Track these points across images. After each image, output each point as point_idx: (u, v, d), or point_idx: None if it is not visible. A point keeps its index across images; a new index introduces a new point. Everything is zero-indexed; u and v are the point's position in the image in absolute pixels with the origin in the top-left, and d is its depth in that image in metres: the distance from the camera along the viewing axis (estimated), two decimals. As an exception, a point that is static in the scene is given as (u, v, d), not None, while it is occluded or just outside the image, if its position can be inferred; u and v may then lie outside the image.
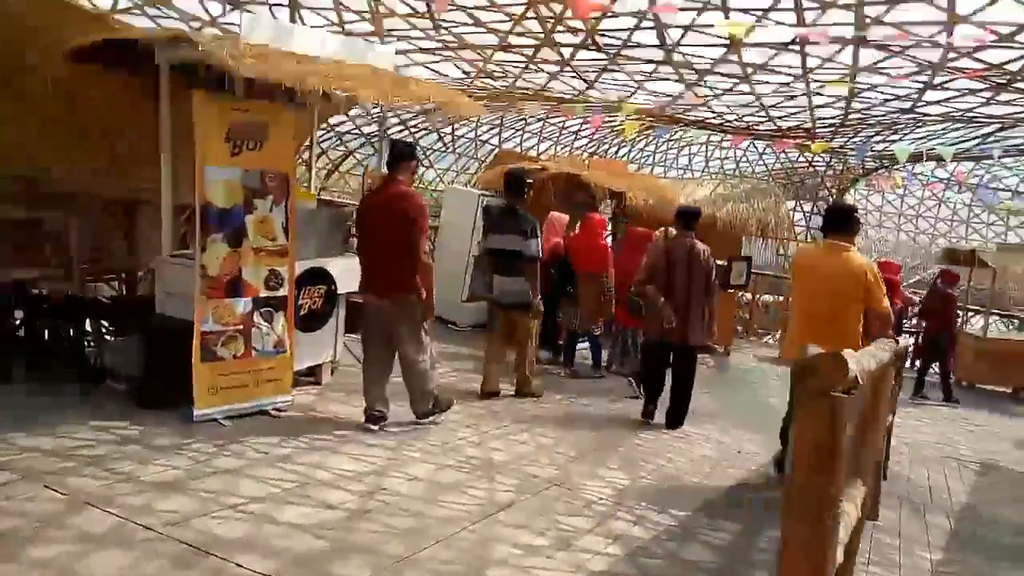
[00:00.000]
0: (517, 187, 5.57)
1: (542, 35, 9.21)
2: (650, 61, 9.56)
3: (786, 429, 4.65)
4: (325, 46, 4.83)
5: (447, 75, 11.22)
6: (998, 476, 5.89)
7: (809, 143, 12.58)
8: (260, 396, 4.38)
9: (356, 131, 14.69)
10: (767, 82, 9.71)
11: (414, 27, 9.55)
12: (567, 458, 4.57)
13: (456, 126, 15.78)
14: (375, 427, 4.39)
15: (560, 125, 16.92)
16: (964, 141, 12.45)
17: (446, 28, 9.52)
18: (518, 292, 5.56)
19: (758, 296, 12.50)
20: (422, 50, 10.36)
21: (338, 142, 14.89)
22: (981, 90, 8.45)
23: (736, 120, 11.83)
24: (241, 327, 4.26)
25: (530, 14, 8.69)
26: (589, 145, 18.51)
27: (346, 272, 5.06)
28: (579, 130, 17.40)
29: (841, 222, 4.53)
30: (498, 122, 16.26)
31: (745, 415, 6.63)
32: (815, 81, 9.27)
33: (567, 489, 4.00)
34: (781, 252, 19.28)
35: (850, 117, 10.60)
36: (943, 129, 11.92)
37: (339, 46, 4.99)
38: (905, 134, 12.25)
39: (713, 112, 11.36)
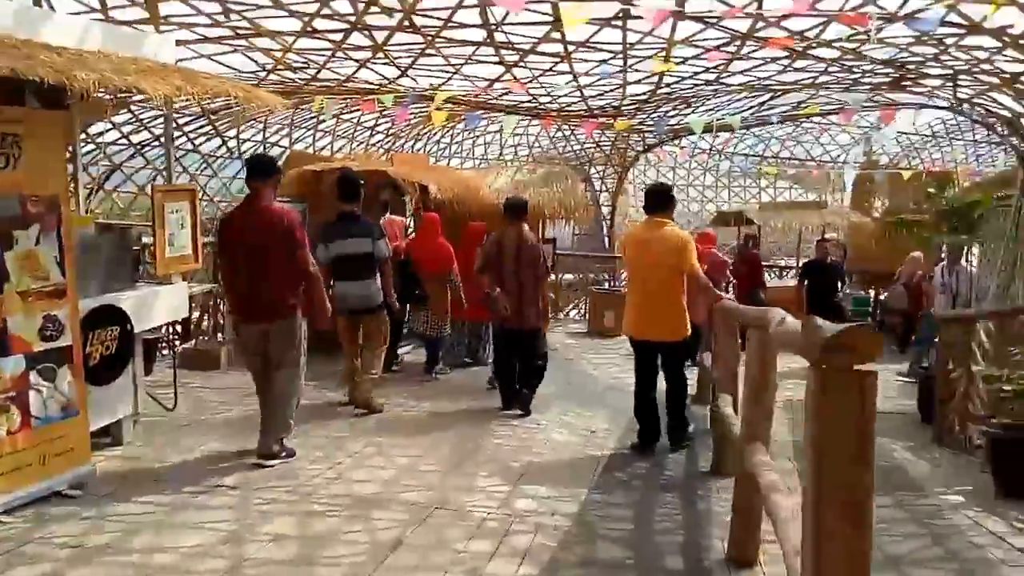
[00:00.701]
0: (353, 190, 5.66)
1: (353, 17, 8.33)
2: (469, 43, 9.06)
3: (640, 406, 5.09)
4: (88, 36, 4.32)
5: (238, 69, 9.89)
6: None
7: (612, 121, 12.92)
8: (51, 475, 3.70)
9: (123, 141, 12.61)
10: (586, 60, 9.64)
11: (198, 12, 8.20)
12: (438, 474, 4.37)
13: (242, 128, 14.16)
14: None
15: (356, 121, 15.91)
16: (747, 110, 13.46)
17: (238, 12, 8.28)
18: (369, 296, 5.64)
19: (561, 275, 12.93)
20: (207, 39, 8.97)
21: (100, 154, 12.69)
22: (781, 58, 8.97)
23: (550, 103, 11.73)
24: (13, 393, 3.54)
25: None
26: (385, 140, 17.69)
27: (142, 307, 4.76)
28: (375, 125, 16.51)
29: (660, 201, 5.04)
30: (288, 121, 14.88)
31: (580, 394, 6.81)
32: (633, 57, 9.35)
33: (452, 510, 3.77)
34: (578, 232, 19.95)
35: (658, 93, 10.97)
36: (729, 99, 12.75)
37: (104, 36, 4.45)
38: (698, 106, 12.93)
39: (529, 96, 11.15)
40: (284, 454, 4.39)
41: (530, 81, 9.88)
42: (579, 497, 4.11)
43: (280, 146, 15.65)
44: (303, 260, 4.24)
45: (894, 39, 7.95)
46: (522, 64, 9.45)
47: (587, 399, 6.58)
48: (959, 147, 24.48)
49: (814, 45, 8.42)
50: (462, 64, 9.73)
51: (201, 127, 13.22)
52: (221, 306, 7.97)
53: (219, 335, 8.14)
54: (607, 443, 5.26)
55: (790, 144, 25.84)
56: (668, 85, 10.14)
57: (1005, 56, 7.94)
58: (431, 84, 10.62)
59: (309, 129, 15.66)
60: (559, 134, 19.86)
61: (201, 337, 8.21)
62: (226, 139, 14.18)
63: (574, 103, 11.48)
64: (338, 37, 8.90)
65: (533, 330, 5.89)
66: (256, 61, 9.84)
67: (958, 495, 4.52)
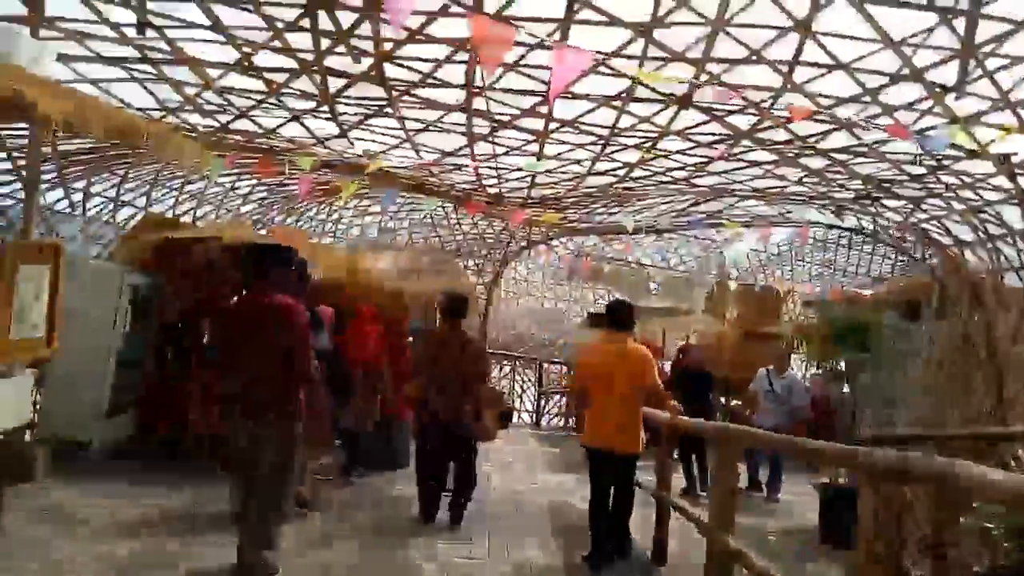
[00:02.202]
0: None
1: (311, 55, 6.72)
2: (440, 105, 7.70)
3: (597, 517, 5.18)
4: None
5: (127, 103, 7.73)
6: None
7: (541, 212, 11.98)
8: None
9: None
10: (563, 141, 8.60)
11: (102, 19, 6.18)
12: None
13: (92, 180, 11.52)
14: None
15: (230, 186, 13.71)
16: (669, 213, 13.11)
17: (158, 30, 6.36)
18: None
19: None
20: (101, 58, 6.85)
21: None
22: (766, 163, 8.51)
23: (494, 186, 10.55)
24: None
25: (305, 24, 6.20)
26: (255, 211, 15.50)
27: None
28: (250, 192, 14.37)
29: (624, 318, 5.28)
30: (151, 178, 12.41)
31: (502, 507, 6.52)
32: (614, 144, 8.47)
33: None
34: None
35: (614, 187, 10.19)
36: (657, 201, 12.32)
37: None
38: (627, 205, 12.37)
39: (475, 176, 9.90)
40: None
41: (490, 159, 8.66)
42: None
43: (134, 206, 13.01)
44: (303, 362, 3.99)
45: (891, 155, 7.75)
46: (490, 139, 8.22)
47: (510, 514, 6.36)
48: (799, 268, 26.44)
49: (811, 151, 8.01)
50: (419, 130, 8.30)
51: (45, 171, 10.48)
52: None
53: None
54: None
55: (651, 252, 26.59)
56: (634, 179, 9.36)
57: (987, 185, 7.97)
58: (366, 150, 9.06)
59: (172, 189, 13.21)
60: (444, 221, 18.71)
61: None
62: (70, 192, 11.44)
63: (517, 189, 10.40)
64: (280, 78, 7.18)
65: (467, 434, 5.71)
66: (155, 96, 7.76)
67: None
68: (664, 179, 9.31)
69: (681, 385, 9.28)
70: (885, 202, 9.20)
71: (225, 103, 7.71)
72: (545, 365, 22.35)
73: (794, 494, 8.87)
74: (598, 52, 5.91)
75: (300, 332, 3.93)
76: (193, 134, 8.18)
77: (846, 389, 13.33)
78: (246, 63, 6.87)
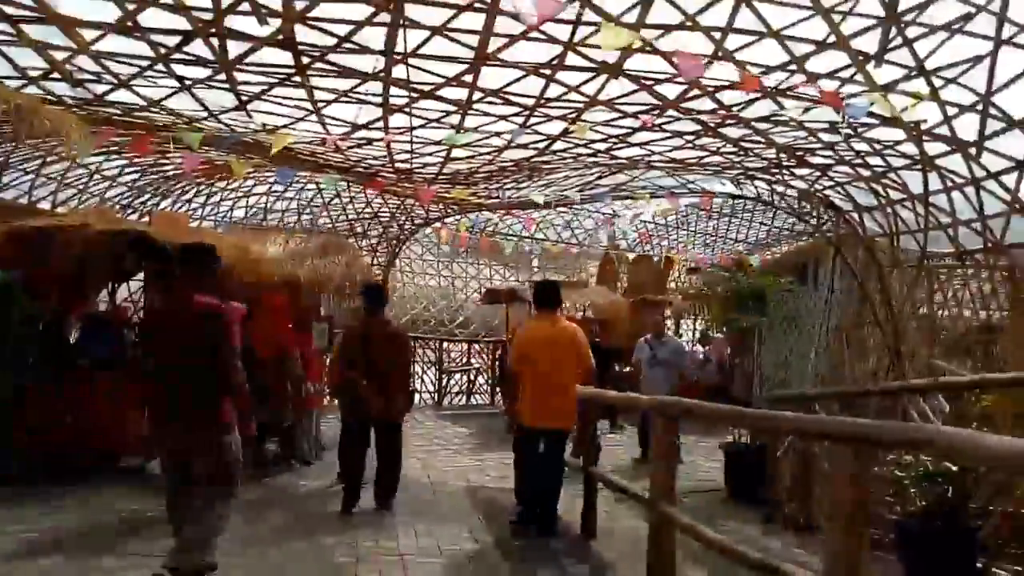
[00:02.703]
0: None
1: (210, 15, 5.88)
2: (357, 73, 7.02)
3: (529, 486, 5.43)
4: None
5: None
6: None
7: (450, 190, 11.47)
8: None
9: None
10: (488, 114, 8.12)
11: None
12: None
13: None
14: None
15: (96, 168, 12.26)
16: (577, 187, 12.95)
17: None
18: None
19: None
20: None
21: None
22: (688, 133, 8.43)
23: (382, 160, 9.89)
24: None
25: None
26: (126, 195, 13.99)
27: None
28: (119, 174, 12.93)
29: (552, 297, 5.54)
30: (1, 159, 10.84)
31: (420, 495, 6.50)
32: (540, 115, 8.09)
33: None
34: (346, 306, 17.84)
35: (532, 161, 9.78)
36: (567, 175, 12.12)
37: None
38: (535, 180, 12.08)
39: (385, 151, 9.23)
40: None
41: (404, 132, 8.07)
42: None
43: (-22, 192, 11.36)
44: (231, 369, 3.89)
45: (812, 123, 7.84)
46: (406, 110, 7.63)
47: (431, 501, 6.26)
48: (684, 237, 27.27)
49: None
50: (329, 102, 7.57)
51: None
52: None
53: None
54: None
55: (544, 226, 26.57)
56: (555, 152, 9.04)
57: (895, 152, 8.24)
58: (264, 124, 8.21)
59: (27, 173, 11.61)
60: (336, 200, 17.72)
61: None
62: None
63: (429, 165, 9.82)
64: (172, 42, 6.26)
65: (397, 422, 5.79)
66: (14, 63, 6.59)
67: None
68: (586, 151, 9.06)
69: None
70: (795, 171, 9.40)
71: (102, 70, 6.67)
72: (445, 344, 21.93)
73: (698, 455, 9.39)
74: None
75: (231, 340, 3.83)
76: (60, 107, 7.08)
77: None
78: (129, 23, 5.93)
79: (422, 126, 8.08)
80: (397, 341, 5.84)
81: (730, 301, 13.50)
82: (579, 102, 7.53)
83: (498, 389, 16.96)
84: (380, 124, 7.96)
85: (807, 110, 7.19)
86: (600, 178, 12.84)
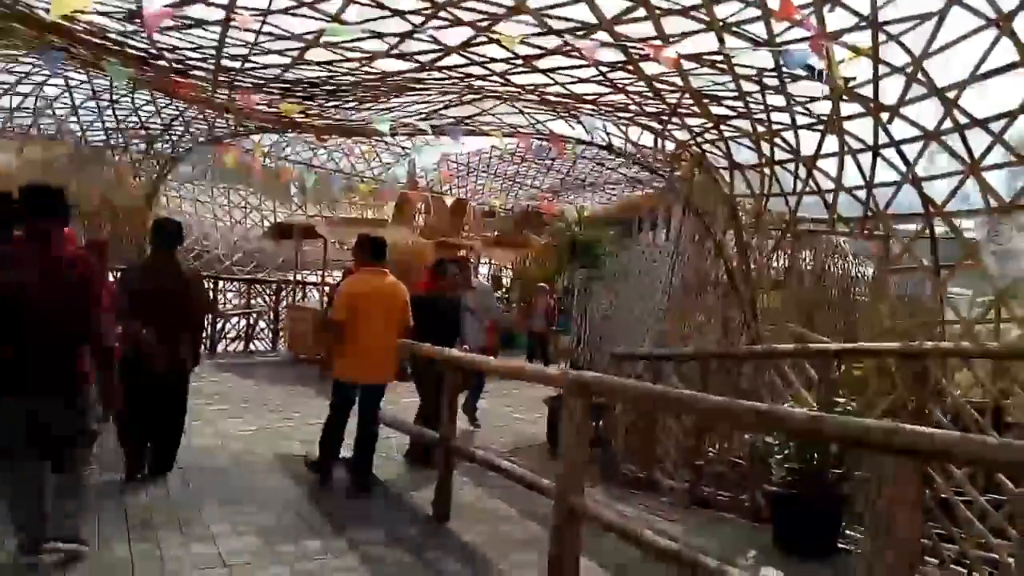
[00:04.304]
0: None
1: None
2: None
3: (334, 438, 5.48)
4: None
5: None
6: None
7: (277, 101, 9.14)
8: None
9: None
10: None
11: None
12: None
13: None
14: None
15: None
16: (420, 114, 11.25)
17: None
18: None
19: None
20: None
21: None
22: (581, 66, 7.24)
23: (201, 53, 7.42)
24: None
25: None
26: None
27: None
28: None
29: (378, 250, 5.53)
30: None
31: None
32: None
33: None
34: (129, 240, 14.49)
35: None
36: (416, 99, 10.39)
37: None
38: (378, 102, 10.19)
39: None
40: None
41: (261, 16, 5.89)
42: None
43: None
44: (93, 323, 3.61)
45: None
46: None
47: (238, 477, 5.51)
48: (486, 180, 26.46)
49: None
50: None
51: None
52: None
53: None
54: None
55: (337, 156, 24.08)
56: (443, 68, 7.28)
57: (805, 110, 7.79)
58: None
59: None
60: (92, 104, 13.97)
61: None
62: None
63: (268, 67, 7.47)
64: None
65: (184, 373, 5.43)
66: None
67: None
68: (479, 72, 7.46)
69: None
70: (687, 120, 8.67)
71: None
72: (220, 283, 19.12)
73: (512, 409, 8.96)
74: None
75: (97, 289, 3.61)
76: None
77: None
78: None
79: (286, 11, 5.95)
80: (194, 288, 5.41)
81: (565, 251, 12.69)
82: (502, 5, 5.96)
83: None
84: (224, -2, 5.69)
85: (741, 51, 6.33)
86: (447, 107, 11.26)
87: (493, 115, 11.83)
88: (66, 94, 13.61)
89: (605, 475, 6.85)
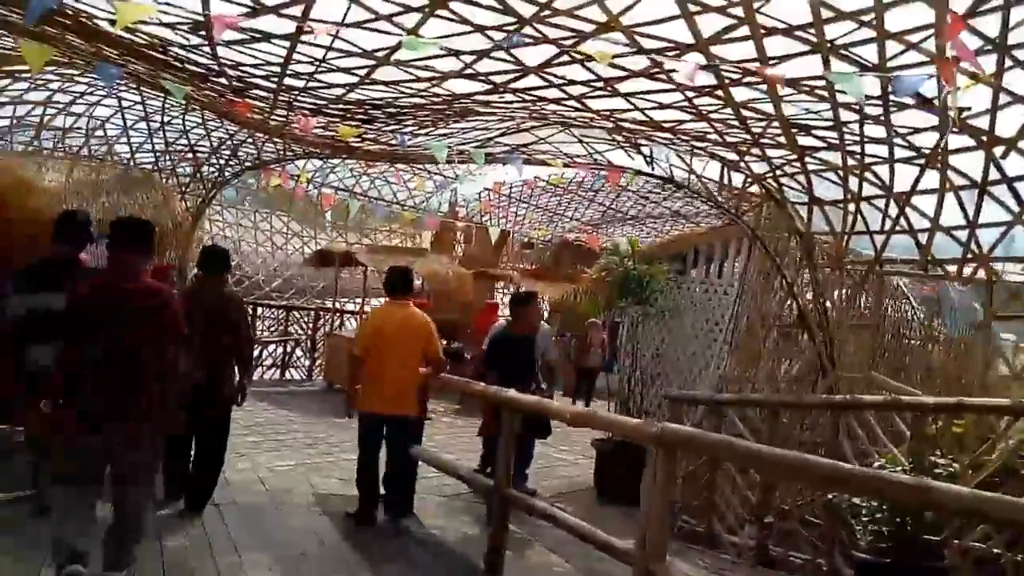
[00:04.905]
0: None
1: None
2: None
3: (367, 476, 5.47)
4: None
5: None
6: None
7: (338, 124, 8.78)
8: None
9: None
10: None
11: None
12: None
13: None
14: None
15: None
16: (476, 142, 10.84)
17: None
18: None
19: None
20: None
21: None
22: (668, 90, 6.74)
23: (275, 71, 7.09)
24: None
25: None
26: None
27: None
28: None
29: (403, 282, 5.66)
30: None
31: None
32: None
33: None
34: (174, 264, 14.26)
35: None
36: (474, 127, 9.99)
37: None
38: (435, 128, 9.79)
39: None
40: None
41: (331, 28, 5.50)
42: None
43: None
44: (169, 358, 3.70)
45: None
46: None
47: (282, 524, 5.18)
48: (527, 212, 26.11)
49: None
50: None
51: None
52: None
53: None
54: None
55: (379, 184, 23.90)
56: (516, 91, 6.83)
57: (905, 142, 7.19)
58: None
59: None
60: (142, 125, 13.82)
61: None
62: None
63: (333, 87, 7.11)
64: None
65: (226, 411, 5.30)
66: None
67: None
68: (555, 95, 6.98)
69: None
70: (768, 151, 8.11)
71: None
72: (259, 309, 19.00)
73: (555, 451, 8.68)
74: None
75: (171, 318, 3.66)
76: None
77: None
78: None
79: (360, 24, 5.56)
80: (240, 316, 5.33)
81: (618, 286, 12.17)
82: (591, 21, 5.50)
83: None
84: (297, 7, 5.31)
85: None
86: (503, 135, 10.84)
87: (550, 143, 11.39)
88: (118, 114, 13.48)
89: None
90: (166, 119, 13.35)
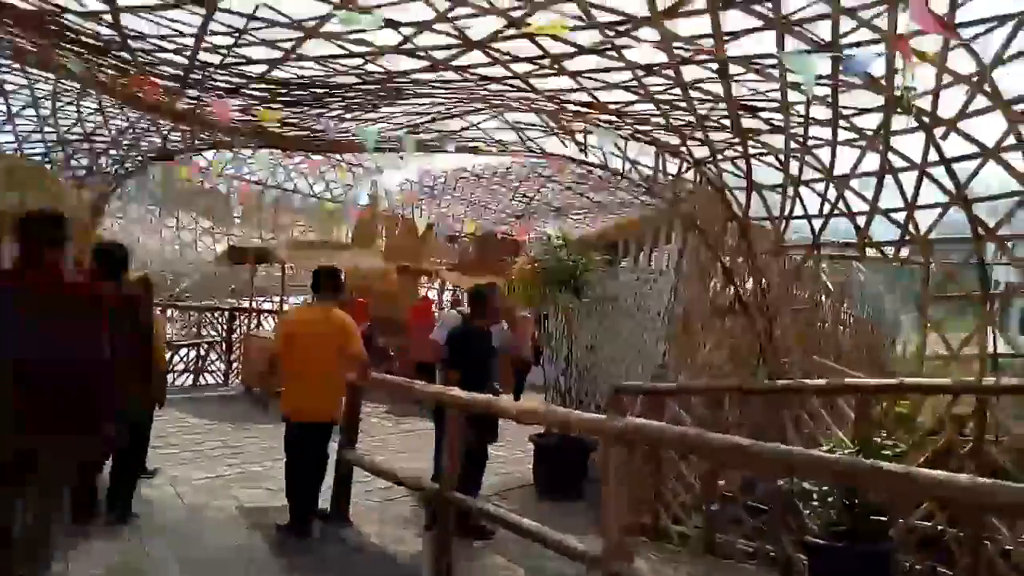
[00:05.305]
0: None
1: None
2: None
3: (295, 484, 5.22)
4: None
5: None
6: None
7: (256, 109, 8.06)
8: None
9: None
10: None
11: None
12: None
13: None
14: None
15: None
16: (403, 127, 10.32)
17: None
18: None
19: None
20: None
21: None
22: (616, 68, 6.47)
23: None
24: None
25: None
26: None
27: None
28: None
29: (333, 283, 5.48)
30: None
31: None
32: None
33: None
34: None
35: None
36: (405, 109, 9.46)
37: None
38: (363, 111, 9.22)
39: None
40: None
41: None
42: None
43: None
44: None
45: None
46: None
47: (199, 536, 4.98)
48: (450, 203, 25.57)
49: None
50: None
51: None
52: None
53: None
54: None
55: (295, 176, 22.86)
56: (460, 69, 6.36)
57: (847, 122, 7.15)
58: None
59: None
60: (30, 111, 12.53)
61: None
62: None
63: (252, 62, 6.43)
64: None
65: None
66: None
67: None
68: (499, 74, 6.55)
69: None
70: (711, 134, 7.95)
71: None
72: (169, 312, 17.86)
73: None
74: None
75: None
76: None
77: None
78: None
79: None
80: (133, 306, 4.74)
81: (551, 276, 11.89)
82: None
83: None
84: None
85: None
86: (433, 120, 10.36)
87: (482, 130, 10.98)
88: (1, 101, 12.20)
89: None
90: (58, 105, 12.16)
